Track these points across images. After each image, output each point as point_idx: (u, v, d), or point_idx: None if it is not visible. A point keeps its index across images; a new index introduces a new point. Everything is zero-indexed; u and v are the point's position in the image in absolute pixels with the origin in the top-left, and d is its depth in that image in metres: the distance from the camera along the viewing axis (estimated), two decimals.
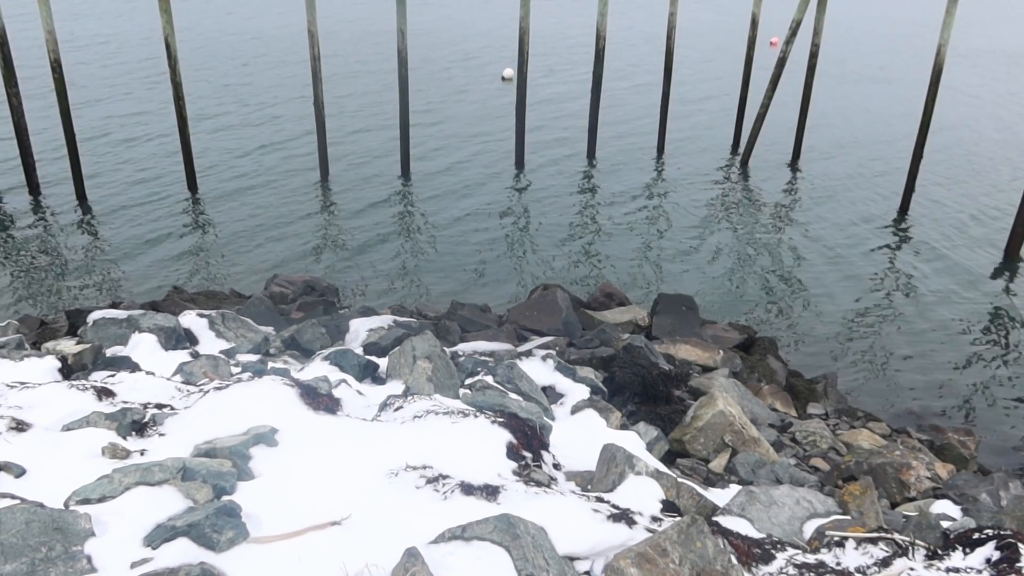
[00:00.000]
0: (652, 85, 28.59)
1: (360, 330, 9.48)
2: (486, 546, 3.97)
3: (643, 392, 8.25)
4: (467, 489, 4.60)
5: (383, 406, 5.85)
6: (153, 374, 6.90)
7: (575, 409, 7.14)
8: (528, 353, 8.45)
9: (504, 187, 20.12)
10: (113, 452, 4.82)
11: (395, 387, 6.78)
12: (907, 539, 4.67)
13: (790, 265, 16.31)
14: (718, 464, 7.19)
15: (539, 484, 4.89)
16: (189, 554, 3.77)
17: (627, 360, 8.64)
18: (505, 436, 5.23)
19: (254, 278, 14.72)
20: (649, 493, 5.04)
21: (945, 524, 5.49)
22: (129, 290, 14.32)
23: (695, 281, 15.44)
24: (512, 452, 5.13)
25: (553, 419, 6.72)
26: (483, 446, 5.09)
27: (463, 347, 9.15)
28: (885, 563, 4.44)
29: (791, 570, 4.37)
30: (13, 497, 4.11)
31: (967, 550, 4.56)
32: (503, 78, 31.36)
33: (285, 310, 11.33)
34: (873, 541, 4.63)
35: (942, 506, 6.81)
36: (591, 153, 22.17)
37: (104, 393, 5.90)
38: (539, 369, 7.91)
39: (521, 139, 21.34)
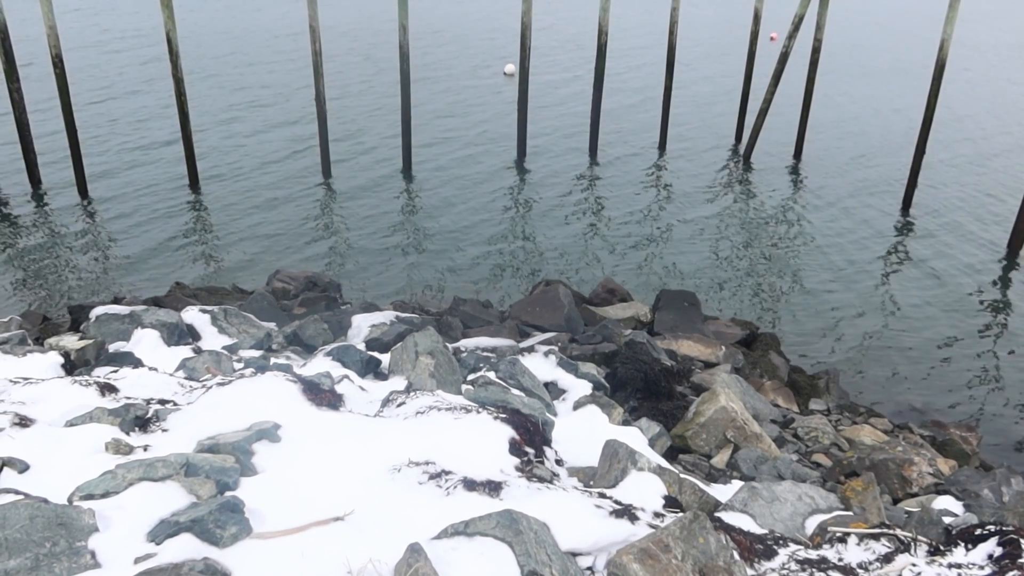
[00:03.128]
0: (654, 80, 28.54)
1: (362, 326, 9.49)
2: (489, 542, 3.98)
3: (645, 388, 8.26)
4: (470, 485, 4.61)
5: (385, 402, 5.86)
6: (156, 370, 6.91)
7: (577, 405, 7.15)
8: (530, 349, 8.46)
9: (506, 182, 20.11)
10: (116, 448, 4.83)
11: (397, 383, 6.79)
12: (909, 535, 4.67)
13: (792, 261, 16.30)
14: (720, 460, 7.20)
15: (541, 480, 4.89)
16: (192, 549, 3.78)
17: (629, 356, 8.64)
18: (507, 432, 5.24)
19: (256, 274, 14.73)
20: (651, 489, 5.05)
21: (947, 520, 5.49)
22: (131, 286, 14.33)
23: (697, 277, 15.43)
24: (514, 448, 5.14)
25: (555, 415, 6.73)
26: (486, 442, 5.10)
27: (465, 343, 9.15)
28: (887, 559, 4.45)
29: (793, 566, 4.38)
30: (17, 493, 4.12)
31: (969, 546, 4.56)
32: (505, 73, 31.31)
33: (287, 306, 11.34)
34: (875, 537, 4.64)
35: (944, 502, 6.81)
36: (593, 148, 22.14)
37: (107, 389, 5.91)
38: (541, 365, 7.91)
39: (523, 134, 21.32)
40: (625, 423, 7.08)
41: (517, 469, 4.95)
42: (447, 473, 4.70)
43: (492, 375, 7.13)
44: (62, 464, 4.63)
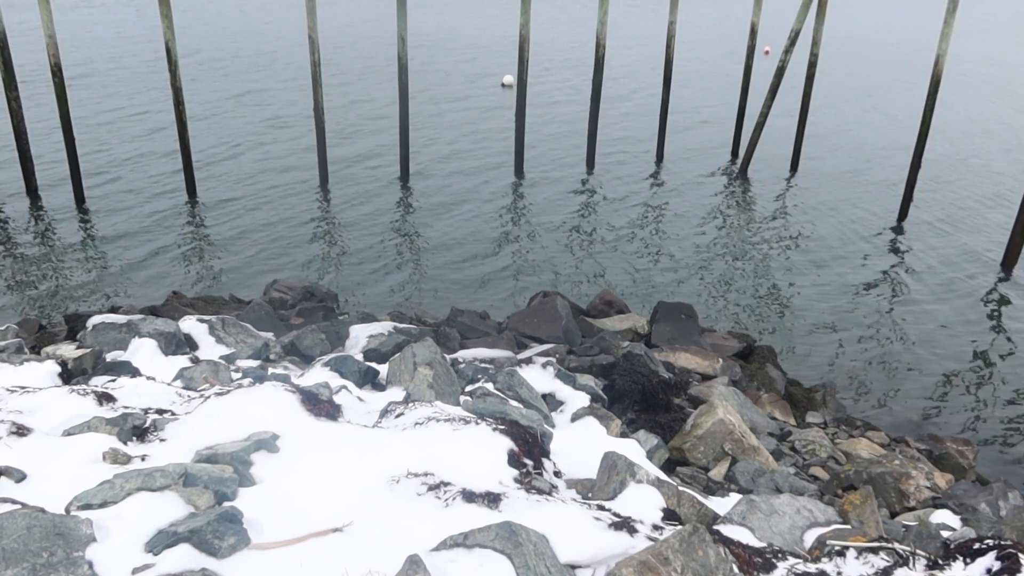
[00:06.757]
0: (651, 93, 28.68)
1: (360, 336, 9.48)
2: (488, 554, 3.98)
3: (643, 400, 8.25)
4: (468, 496, 4.60)
5: (384, 413, 5.85)
6: (153, 379, 6.89)
7: (575, 417, 7.15)
8: (528, 360, 8.45)
9: (504, 193, 20.15)
10: (114, 457, 4.81)
11: (396, 394, 6.78)
12: (908, 549, 4.67)
13: (789, 274, 16.34)
14: (718, 472, 7.19)
15: (540, 492, 4.89)
16: (191, 560, 3.77)
17: (627, 368, 8.64)
18: (506, 443, 5.23)
19: (253, 283, 14.71)
20: (650, 501, 5.04)
21: (945, 534, 5.50)
22: (128, 295, 14.30)
23: (694, 289, 15.46)
24: (513, 459, 5.13)
25: (553, 426, 6.73)
26: (484, 453, 5.09)
27: (463, 354, 9.14)
28: (886, 573, 4.45)
29: None
30: (14, 502, 4.10)
31: (967, 560, 4.56)
32: (503, 85, 31.44)
33: (285, 316, 11.33)
34: (874, 551, 4.63)
35: (941, 516, 6.81)
36: (590, 160, 22.21)
37: (105, 398, 5.90)
38: (539, 376, 7.91)
39: (521, 146, 21.38)
40: (623, 435, 7.07)
41: (516, 481, 4.94)
42: (446, 484, 4.69)
43: (490, 386, 7.12)
44: (60, 473, 4.62)
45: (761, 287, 15.72)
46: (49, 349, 8.14)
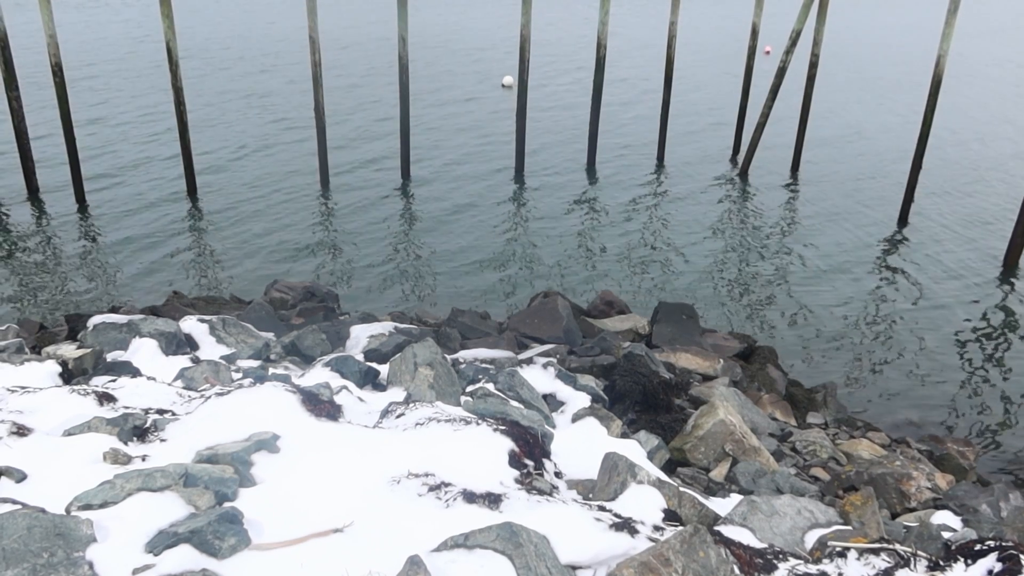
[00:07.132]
0: (652, 94, 28.67)
1: (361, 336, 9.47)
2: (489, 554, 3.97)
3: (644, 400, 8.24)
4: (469, 497, 4.60)
5: (384, 413, 5.85)
6: (154, 379, 6.89)
7: (576, 417, 7.14)
8: (529, 361, 8.45)
9: (504, 194, 20.15)
10: (115, 457, 4.81)
11: (396, 394, 6.77)
12: (909, 550, 4.67)
13: (789, 275, 16.33)
14: (719, 473, 7.19)
15: (541, 492, 4.88)
16: (191, 561, 3.77)
17: (628, 368, 8.63)
18: (507, 444, 5.23)
19: (254, 284, 14.71)
20: (651, 502, 5.04)
21: (946, 535, 5.49)
22: (128, 295, 14.30)
23: (695, 290, 15.45)
24: (514, 460, 5.13)
25: (554, 427, 6.72)
26: (485, 454, 5.09)
27: (464, 354, 9.14)
28: (887, 574, 4.44)
29: None
30: (14, 502, 4.10)
31: (969, 561, 4.55)
32: (503, 85, 31.43)
33: (285, 316, 11.33)
34: (875, 552, 4.63)
35: (942, 517, 6.80)
36: (591, 161, 22.21)
37: (105, 398, 5.90)
38: (540, 377, 7.90)
39: (521, 147, 21.37)
40: (624, 436, 7.06)
41: (517, 481, 4.94)
42: (447, 485, 4.69)
43: (491, 387, 7.11)
44: (60, 474, 4.62)
45: (762, 288, 15.71)
46: (50, 349, 8.14)
